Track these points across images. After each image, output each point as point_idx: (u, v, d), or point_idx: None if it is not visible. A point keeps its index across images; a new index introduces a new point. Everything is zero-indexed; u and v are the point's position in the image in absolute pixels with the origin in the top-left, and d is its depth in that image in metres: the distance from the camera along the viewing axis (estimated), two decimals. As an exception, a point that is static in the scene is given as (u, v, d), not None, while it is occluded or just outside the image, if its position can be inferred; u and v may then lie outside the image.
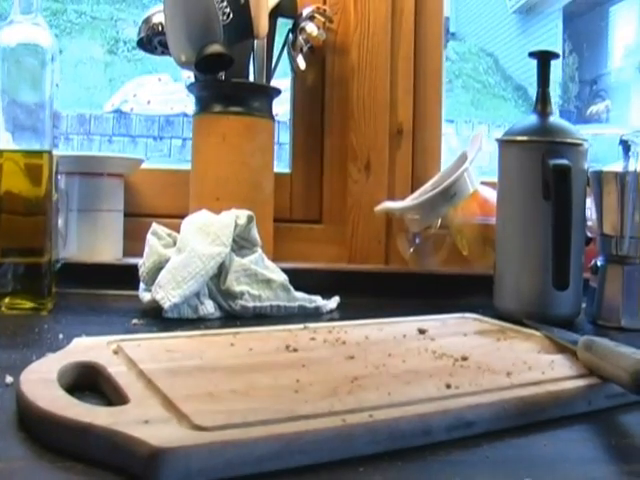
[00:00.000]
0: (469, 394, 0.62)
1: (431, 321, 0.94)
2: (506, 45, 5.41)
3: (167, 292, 0.98)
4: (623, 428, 0.64)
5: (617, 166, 1.07)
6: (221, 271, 1.03)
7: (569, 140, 1.06)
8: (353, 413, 0.55)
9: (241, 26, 1.20)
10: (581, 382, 0.67)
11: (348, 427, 0.53)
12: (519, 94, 4.81)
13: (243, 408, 0.54)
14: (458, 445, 0.56)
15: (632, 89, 3.77)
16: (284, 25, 1.36)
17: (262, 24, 1.22)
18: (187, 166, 1.29)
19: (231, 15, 1.20)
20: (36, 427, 0.51)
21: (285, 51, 1.37)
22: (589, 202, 1.11)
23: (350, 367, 0.69)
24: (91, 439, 0.50)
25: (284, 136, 1.56)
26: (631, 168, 1.05)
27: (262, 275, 1.05)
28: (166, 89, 3.02)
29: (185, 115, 2.92)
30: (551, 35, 4.99)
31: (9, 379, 0.66)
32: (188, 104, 1.32)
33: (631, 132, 1.07)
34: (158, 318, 0.98)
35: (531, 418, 0.62)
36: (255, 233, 1.07)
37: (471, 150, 1.29)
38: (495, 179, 1.13)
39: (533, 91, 1.12)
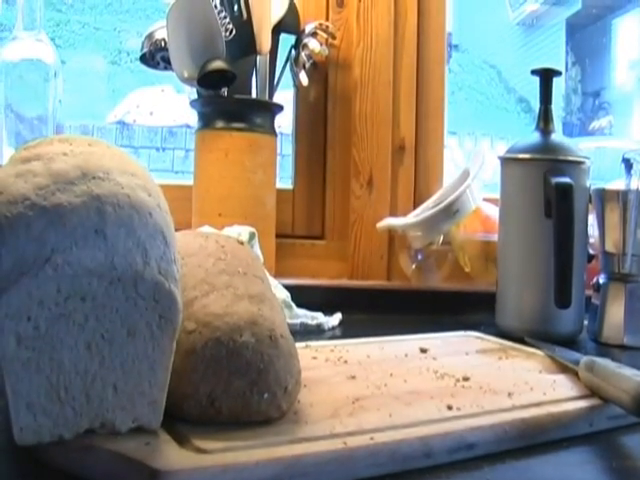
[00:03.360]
0: (470, 416, 0.62)
1: (433, 339, 0.94)
2: (509, 57, 5.40)
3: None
4: (624, 450, 0.64)
5: (619, 184, 1.07)
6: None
7: (571, 158, 1.06)
8: (354, 435, 0.55)
9: (244, 42, 1.21)
10: (583, 403, 0.67)
11: (349, 450, 0.53)
12: (522, 106, 4.80)
13: (243, 430, 0.54)
14: (459, 467, 0.56)
15: (635, 102, 3.76)
16: (287, 41, 1.37)
17: (265, 40, 1.22)
18: (190, 178, 1.29)
19: (234, 31, 1.20)
20: (37, 448, 0.51)
21: (288, 67, 1.37)
22: (591, 219, 1.11)
23: (351, 387, 0.69)
24: (92, 461, 0.50)
25: (287, 147, 1.56)
26: (633, 186, 1.05)
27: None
28: (169, 100, 3.02)
29: (188, 126, 2.92)
30: (554, 47, 4.98)
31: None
32: (191, 116, 1.32)
33: (633, 150, 1.07)
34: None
35: (532, 440, 0.62)
36: (257, 249, 1.06)
37: (473, 166, 1.29)
38: (497, 195, 1.13)
39: (536, 103, 1.12)
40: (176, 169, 3.09)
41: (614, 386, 0.65)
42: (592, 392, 0.69)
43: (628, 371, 0.65)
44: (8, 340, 0.47)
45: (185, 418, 0.55)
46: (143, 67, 1.33)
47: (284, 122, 1.50)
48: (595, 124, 3.75)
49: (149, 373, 0.52)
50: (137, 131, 3.16)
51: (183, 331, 0.56)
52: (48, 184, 0.49)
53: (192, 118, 1.32)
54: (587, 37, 4.66)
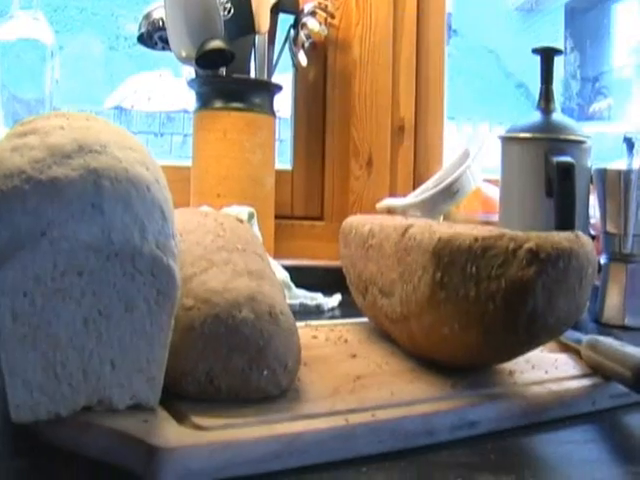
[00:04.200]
0: (472, 393, 0.61)
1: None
2: (508, 42, 5.38)
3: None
4: (627, 428, 0.64)
5: (621, 164, 1.06)
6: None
7: (572, 137, 1.05)
8: (355, 413, 0.55)
9: (242, 21, 1.20)
10: (585, 382, 0.67)
11: (350, 427, 0.52)
12: (520, 91, 4.77)
13: (243, 407, 0.54)
14: (461, 445, 0.56)
15: (634, 86, 3.75)
16: (285, 21, 1.36)
17: (263, 19, 1.22)
18: (188, 162, 1.28)
19: (232, 10, 1.19)
20: (33, 425, 0.50)
21: (286, 47, 1.36)
22: (592, 200, 1.10)
23: (352, 365, 0.68)
24: (91, 438, 0.50)
25: (285, 132, 1.56)
26: (635, 166, 1.04)
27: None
28: (167, 85, 3.01)
29: (186, 111, 2.91)
30: (553, 32, 4.95)
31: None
32: (189, 100, 1.32)
33: (635, 130, 1.07)
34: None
35: (534, 418, 0.61)
36: (256, 229, 1.06)
37: (473, 147, 1.28)
38: (497, 176, 1.12)
39: (534, 88, 1.11)
40: (174, 154, 3.08)
41: (616, 363, 0.64)
42: (594, 371, 0.69)
43: (632, 349, 0.65)
44: (4, 316, 0.47)
45: (183, 395, 0.55)
46: (141, 52, 1.32)
47: (282, 106, 1.49)
48: (595, 106, 3.73)
49: (147, 349, 0.51)
50: (135, 116, 3.15)
51: (181, 308, 0.55)
52: (44, 157, 0.48)
53: (190, 103, 1.31)
54: (586, 22, 4.65)
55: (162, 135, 3.13)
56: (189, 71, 1.29)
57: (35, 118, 0.55)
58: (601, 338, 0.71)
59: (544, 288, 0.58)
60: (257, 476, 0.49)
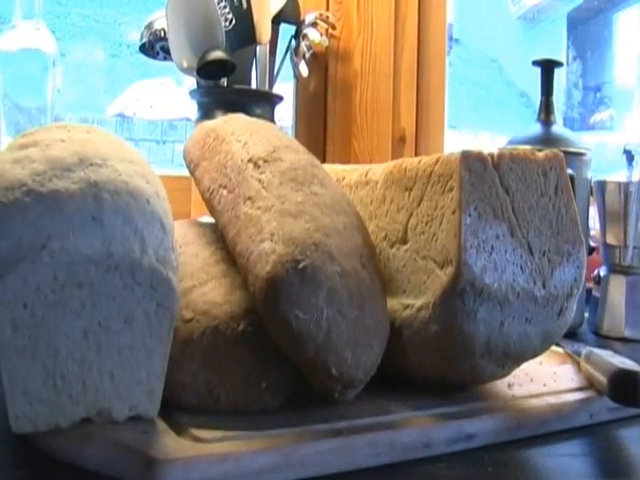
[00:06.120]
0: (470, 406, 0.61)
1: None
2: (510, 52, 5.39)
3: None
4: (624, 442, 0.64)
5: (620, 176, 1.06)
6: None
7: (572, 149, 1.06)
8: (353, 425, 0.55)
9: (243, 32, 1.20)
10: (583, 395, 0.67)
11: (348, 440, 0.52)
12: (522, 101, 4.78)
13: (241, 419, 0.54)
14: (459, 458, 0.56)
15: (636, 96, 3.75)
16: (287, 31, 1.36)
17: (264, 30, 1.22)
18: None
19: (233, 21, 1.19)
20: (33, 436, 0.51)
21: (288, 57, 1.37)
22: (592, 212, 1.10)
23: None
24: (89, 449, 0.50)
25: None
26: (634, 178, 1.05)
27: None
28: (169, 93, 3.01)
29: (188, 119, 2.91)
30: (555, 41, 4.96)
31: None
32: (191, 109, 1.33)
33: (635, 142, 1.07)
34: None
35: (532, 431, 0.61)
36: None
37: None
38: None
39: (536, 98, 1.12)
40: (177, 162, 3.08)
41: (600, 373, 0.65)
42: (591, 384, 0.69)
43: (617, 359, 0.65)
44: (4, 327, 0.47)
45: (183, 407, 0.55)
46: (143, 60, 1.32)
47: (284, 116, 1.49)
48: (597, 116, 3.74)
49: (146, 361, 0.52)
50: (137, 124, 3.15)
51: (180, 320, 0.56)
52: (45, 170, 0.49)
53: (192, 111, 1.31)
54: (588, 31, 4.65)
55: (164, 143, 3.13)
56: (191, 79, 1.29)
57: (36, 130, 0.55)
58: (596, 350, 0.71)
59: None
60: (255, 488, 0.49)
